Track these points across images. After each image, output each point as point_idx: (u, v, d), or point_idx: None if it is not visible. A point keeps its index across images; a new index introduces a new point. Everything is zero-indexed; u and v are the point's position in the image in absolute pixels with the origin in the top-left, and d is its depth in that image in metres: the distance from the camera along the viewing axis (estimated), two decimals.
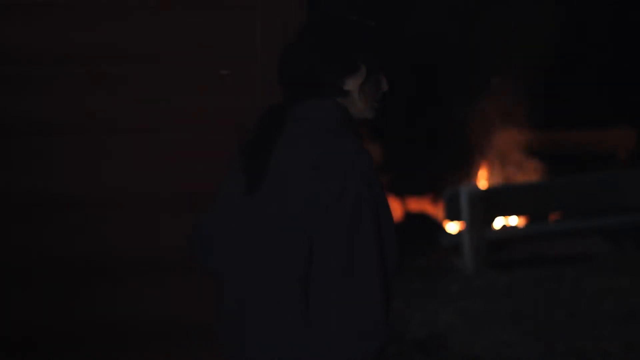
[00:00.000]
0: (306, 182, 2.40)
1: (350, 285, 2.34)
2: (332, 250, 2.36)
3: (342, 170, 2.38)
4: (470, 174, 12.13)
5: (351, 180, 2.38)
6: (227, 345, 2.54)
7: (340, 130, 2.47)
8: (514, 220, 10.53)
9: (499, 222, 10.32)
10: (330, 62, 2.50)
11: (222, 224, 2.58)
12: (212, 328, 3.26)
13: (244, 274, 2.49)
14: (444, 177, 11.51)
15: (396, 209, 11.07)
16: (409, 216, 11.17)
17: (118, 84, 3.16)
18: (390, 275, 2.41)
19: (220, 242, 2.59)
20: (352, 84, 2.52)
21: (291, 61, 2.53)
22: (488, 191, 9.64)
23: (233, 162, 2.60)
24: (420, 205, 11.43)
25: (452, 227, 10.11)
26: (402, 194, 11.33)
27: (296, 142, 2.46)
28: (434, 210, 11.22)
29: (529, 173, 12.04)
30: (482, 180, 12.05)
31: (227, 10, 3.22)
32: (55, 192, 3.15)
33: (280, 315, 2.42)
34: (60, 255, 3.16)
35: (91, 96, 3.15)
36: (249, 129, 2.58)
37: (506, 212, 9.91)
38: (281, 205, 2.42)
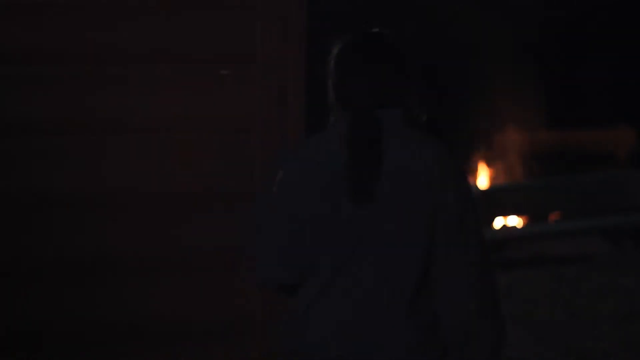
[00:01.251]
0: (432, 175, 2.56)
1: (488, 262, 2.58)
2: (474, 233, 2.57)
3: (453, 160, 2.61)
4: (470, 173, 12.13)
5: (460, 169, 2.61)
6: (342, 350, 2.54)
7: (423, 133, 2.65)
8: (514, 220, 10.53)
9: (499, 222, 10.32)
10: (410, 75, 2.68)
11: (322, 241, 2.56)
12: (212, 328, 3.26)
13: (373, 277, 2.54)
14: None
15: None
16: None
17: (118, 84, 3.16)
18: None
19: (328, 258, 2.57)
20: (414, 93, 2.68)
21: (376, 76, 2.65)
22: (488, 191, 9.65)
23: (300, 180, 2.57)
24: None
25: None
26: None
27: (406, 145, 2.59)
28: None
29: (529, 173, 12.04)
30: (482, 180, 12.06)
31: (227, 10, 3.22)
32: (55, 192, 3.15)
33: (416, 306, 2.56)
34: (59, 255, 3.16)
35: (91, 96, 3.15)
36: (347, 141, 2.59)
37: (506, 212, 9.91)
38: (411, 203, 2.54)
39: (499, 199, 9.46)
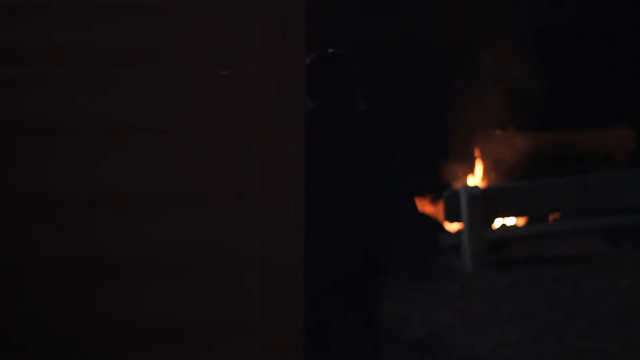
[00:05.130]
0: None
1: None
2: None
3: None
4: (469, 174, 12.14)
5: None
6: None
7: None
8: (513, 220, 10.53)
9: (498, 222, 10.32)
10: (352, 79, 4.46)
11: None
12: (212, 328, 3.26)
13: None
14: (444, 177, 11.52)
15: None
16: None
17: (118, 84, 3.16)
18: None
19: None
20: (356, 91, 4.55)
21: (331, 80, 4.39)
22: (488, 191, 9.63)
23: None
24: (420, 205, 11.42)
25: (452, 227, 10.12)
26: None
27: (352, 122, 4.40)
28: (434, 210, 11.22)
29: (528, 173, 12.04)
30: (482, 180, 12.06)
31: (227, 10, 3.22)
32: (55, 192, 3.15)
33: None
34: (59, 255, 3.16)
35: (91, 96, 3.15)
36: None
37: (506, 212, 9.91)
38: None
39: (499, 199, 9.45)
